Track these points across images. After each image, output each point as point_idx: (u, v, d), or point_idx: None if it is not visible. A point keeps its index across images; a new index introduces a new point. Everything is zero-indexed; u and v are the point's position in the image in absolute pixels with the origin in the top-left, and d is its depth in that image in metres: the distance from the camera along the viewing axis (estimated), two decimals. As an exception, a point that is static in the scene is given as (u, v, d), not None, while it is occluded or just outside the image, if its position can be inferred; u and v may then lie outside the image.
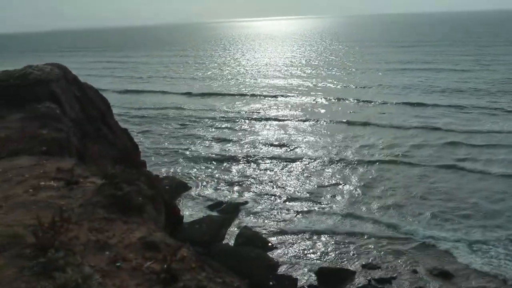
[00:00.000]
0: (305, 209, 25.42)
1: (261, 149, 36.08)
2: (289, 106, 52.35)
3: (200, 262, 7.29)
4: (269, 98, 57.48)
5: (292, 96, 58.31)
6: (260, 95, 59.39)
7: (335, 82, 66.99)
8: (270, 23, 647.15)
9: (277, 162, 32.74)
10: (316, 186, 28.39)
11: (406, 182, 28.07)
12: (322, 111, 48.64)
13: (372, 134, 38.36)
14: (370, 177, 29.26)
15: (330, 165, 31.60)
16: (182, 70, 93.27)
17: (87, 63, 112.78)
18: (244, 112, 49.62)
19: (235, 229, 22.88)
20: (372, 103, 50.57)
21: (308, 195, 27.20)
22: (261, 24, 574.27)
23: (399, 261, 19.91)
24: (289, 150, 35.40)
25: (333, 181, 28.89)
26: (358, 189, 27.44)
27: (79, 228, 8.65)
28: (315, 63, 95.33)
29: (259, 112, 49.47)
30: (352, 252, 20.80)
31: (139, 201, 9.58)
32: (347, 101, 52.67)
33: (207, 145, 37.91)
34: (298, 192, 27.68)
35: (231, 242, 21.50)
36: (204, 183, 29.54)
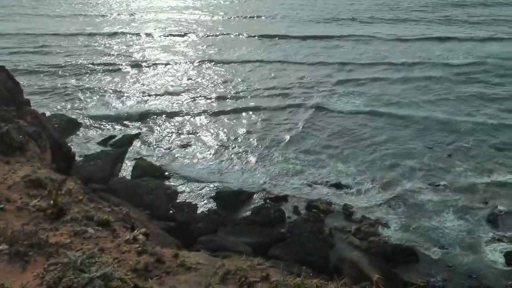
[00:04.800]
0: (198, 135, 25.85)
1: (147, 81, 35.14)
2: (179, 43, 48.52)
3: (88, 194, 7.28)
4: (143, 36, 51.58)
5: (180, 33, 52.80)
6: (133, 34, 52.59)
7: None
8: None
9: (164, 95, 32.17)
10: (205, 113, 28.88)
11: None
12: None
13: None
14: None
15: (219, 99, 31.50)
16: (46, 4, 75.59)
17: None
18: (118, 48, 45.72)
19: (131, 161, 22.67)
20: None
21: (199, 123, 27.63)
22: None
23: (294, 180, 21.19)
24: (177, 83, 34.69)
25: (222, 111, 29.32)
26: (246, 119, 28.04)
27: (-47, 173, 8.15)
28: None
29: (135, 47, 46.00)
30: (247, 176, 21.66)
31: (20, 139, 9.14)
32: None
33: (88, 82, 35.25)
34: (188, 120, 27.98)
35: (128, 175, 21.38)
36: (94, 119, 28.35)
